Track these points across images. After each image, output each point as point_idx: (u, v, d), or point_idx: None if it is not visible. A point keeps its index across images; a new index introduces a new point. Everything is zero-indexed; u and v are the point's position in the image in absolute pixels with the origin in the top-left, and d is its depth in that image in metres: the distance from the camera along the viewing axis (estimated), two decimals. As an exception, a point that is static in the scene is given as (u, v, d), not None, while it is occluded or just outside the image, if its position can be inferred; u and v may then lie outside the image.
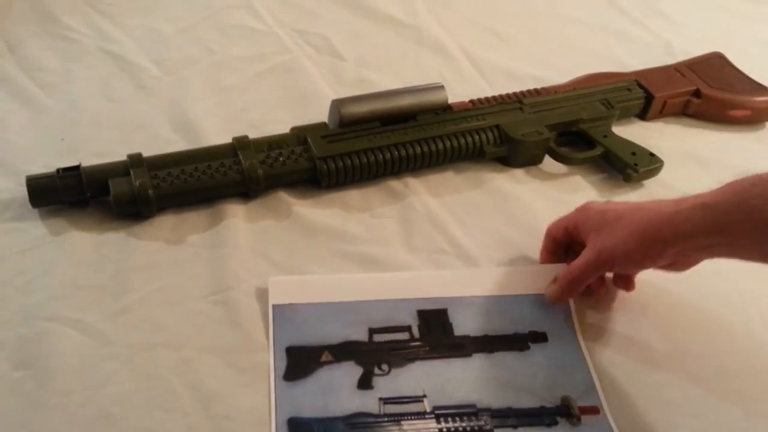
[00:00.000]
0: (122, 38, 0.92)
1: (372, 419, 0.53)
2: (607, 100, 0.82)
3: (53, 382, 0.54)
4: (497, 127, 0.76)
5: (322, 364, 0.56)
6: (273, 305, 0.59)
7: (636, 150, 0.77)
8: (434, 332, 0.59)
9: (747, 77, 0.89)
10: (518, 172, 0.77)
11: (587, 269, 0.59)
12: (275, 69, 0.90)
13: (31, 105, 0.80)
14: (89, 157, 0.69)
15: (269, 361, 0.56)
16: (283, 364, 0.56)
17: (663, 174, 0.77)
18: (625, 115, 0.85)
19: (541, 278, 0.63)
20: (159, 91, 0.84)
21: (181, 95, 0.83)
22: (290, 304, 0.60)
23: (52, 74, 0.85)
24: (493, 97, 0.80)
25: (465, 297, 0.62)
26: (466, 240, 0.69)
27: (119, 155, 0.68)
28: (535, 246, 0.67)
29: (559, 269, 0.62)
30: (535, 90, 0.82)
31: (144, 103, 0.82)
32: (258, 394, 0.54)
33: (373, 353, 0.57)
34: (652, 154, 0.77)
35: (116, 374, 0.55)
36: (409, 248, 0.68)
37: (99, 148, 0.73)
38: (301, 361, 0.56)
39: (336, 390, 0.55)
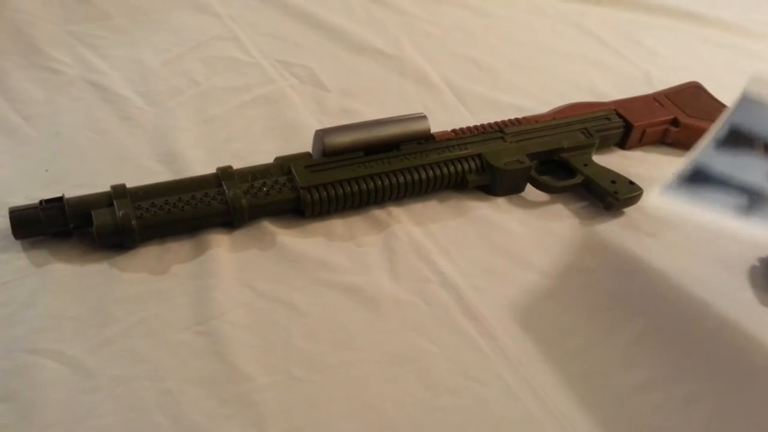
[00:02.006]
0: (107, 70, 0.92)
1: None
2: (587, 130, 0.83)
3: (34, 415, 0.53)
4: (479, 156, 0.77)
5: (751, 151, 0.59)
6: (745, 94, 0.63)
7: (616, 178, 0.78)
8: None
9: (724, 106, 0.90)
10: (500, 201, 0.78)
11: None
12: (259, 100, 0.90)
13: (14, 136, 0.80)
14: (73, 189, 0.69)
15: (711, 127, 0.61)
16: (722, 133, 0.60)
17: (643, 202, 0.78)
18: (605, 144, 0.86)
19: None
20: (143, 122, 0.84)
21: (166, 126, 0.84)
22: (758, 101, 0.63)
23: (36, 105, 0.85)
24: (475, 127, 0.81)
25: None
26: (449, 268, 0.69)
27: (103, 186, 0.68)
28: (518, 273, 0.67)
29: None
30: (517, 119, 0.83)
31: (128, 134, 0.82)
32: (241, 426, 0.54)
33: None
34: (631, 183, 0.78)
35: (98, 407, 0.54)
36: (392, 277, 0.68)
37: (83, 180, 0.73)
38: (736, 140, 0.60)
39: (748, 168, 0.58)
